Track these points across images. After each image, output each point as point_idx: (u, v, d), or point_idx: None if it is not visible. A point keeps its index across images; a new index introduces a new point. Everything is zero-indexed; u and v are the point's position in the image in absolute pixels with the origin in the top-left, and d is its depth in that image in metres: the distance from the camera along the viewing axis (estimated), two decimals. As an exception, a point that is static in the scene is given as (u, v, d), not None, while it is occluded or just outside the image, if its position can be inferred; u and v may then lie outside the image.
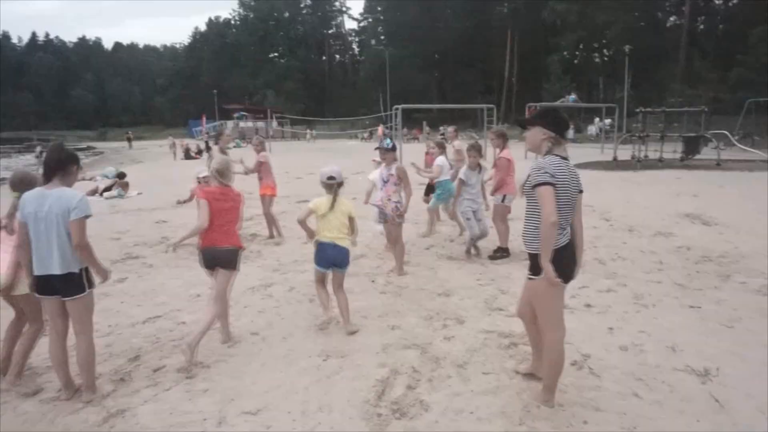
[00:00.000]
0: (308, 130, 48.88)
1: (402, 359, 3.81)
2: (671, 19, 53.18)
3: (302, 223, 4.46)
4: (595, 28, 48.45)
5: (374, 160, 8.08)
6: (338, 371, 3.67)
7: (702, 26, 51.20)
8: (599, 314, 4.64)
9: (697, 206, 9.71)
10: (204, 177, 6.95)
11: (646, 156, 18.55)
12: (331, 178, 4.42)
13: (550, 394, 3.15)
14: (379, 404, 3.22)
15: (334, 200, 4.40)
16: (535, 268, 3.01)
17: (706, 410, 3.09)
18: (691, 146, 18.17)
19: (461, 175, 6.51)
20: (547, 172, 2.89)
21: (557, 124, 3.05)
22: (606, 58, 54.17)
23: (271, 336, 4.33)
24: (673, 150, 18.30)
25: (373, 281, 5.71)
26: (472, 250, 6.62)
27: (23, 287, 3.48)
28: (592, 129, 34.21)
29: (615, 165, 17.84)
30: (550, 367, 3.13)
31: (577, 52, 54.34)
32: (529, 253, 3.05)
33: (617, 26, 45.46)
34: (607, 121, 29.56)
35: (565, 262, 2.97)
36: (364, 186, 7.81)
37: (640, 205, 10.17)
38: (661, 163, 17.41)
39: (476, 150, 6.58)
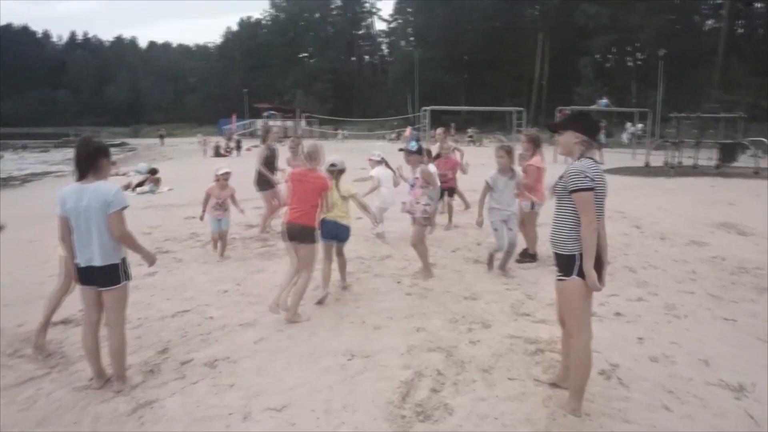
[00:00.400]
0: (339, 130, 49.10)
1: (427, 361, 3.80)
2: (708, 22, 51.83)
3: None
4: (628, 31, 47.45)
5: (370, 159, 8.02)
6: (362, 371, 3.68)
7: (741, 30, 49.74)
8: (629, 323, 4.54)
9: (732, 215, 9.42)
10: (223, 174, 6.97)
11: (679, 162, 18.09)
12: (332, 165, 5.16)
13: (577, 401, 3.11)
14: (403, 406, 3.21)
15: (336, 184, 5.10)
16: (564, 269, 3.01)
17: (740, 427, 3.00)
18: (728, 153, 17.64)
19: (487, 178, 5.97)
20: (587, 176, 2.89)
21: (589, 128, 3.07)
22: (639, 62, 53.04)
23: (296, 333, 4.37)
24: (708, 157, 17.80)
25: (398, 282, 5.71)
26: (494, 260, 6.21)
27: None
28: (624, 136, 33.31)
29: (647, 171, 17.45)
30: (577, 370, 3.10)
31: (609, 55, 53.25)
32: (558, 255, 3.05)
33: (651, 29, 44.46)
34: (639, 126, 28.92)
35: (598, 261, 2.99)
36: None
37: (672, 212, 9.92)
38: (695, 170, 16.96)
39: (506, 151, 5.94)
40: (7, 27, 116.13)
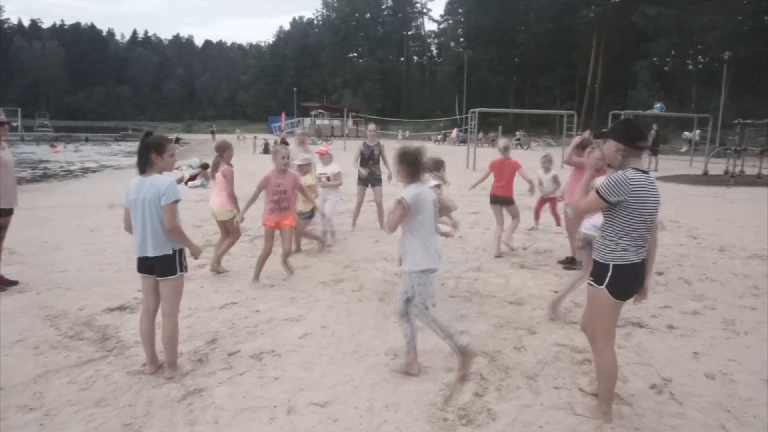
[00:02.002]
0: (399, 130, 49.06)
1: (470, 366, 3.75)
2: (780, 24, 48.95)
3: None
4: (692, 33, 45.42)
5: (320, 152, 7.79)
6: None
7: (816, 32, 46.70)
8: (683, 337, 4.36)
9: (800, 229, 8.88)
10: (302, 164, 6.93)
11: (741, 171, 17.20)
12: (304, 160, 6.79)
13: (606, 406, 3.07)
14: (446, 408, 3.19)
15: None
16: (597, 276, 2.98)
17: (805, 453, 2.82)
18: (796, 163, 16.64)
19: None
20: (615, 189, 2.83)
21: (626, 135, 2.93)
22: (701, 66, 50.74)
23: (340, 331, 4.41)
24: (773, 167, 16.85)
25: (442, 284, 5.68)
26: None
27: (228, 214, 5.96)
28: (684, 148, 31.52)
29: (705, 180, 16.68)
30: (603, 377, 3.07)
31: (668, 59, 51.24)
32: (595, 261, 3.02)
33: (717, 31, 42.37)
34: (697, 132, 27.63)
35: (633, 279, 2.95)
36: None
37: (733, 223, 9.44)
38: (759, 180, 16.07)
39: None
40: (76, 26, 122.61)
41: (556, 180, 7.71)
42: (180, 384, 3.48)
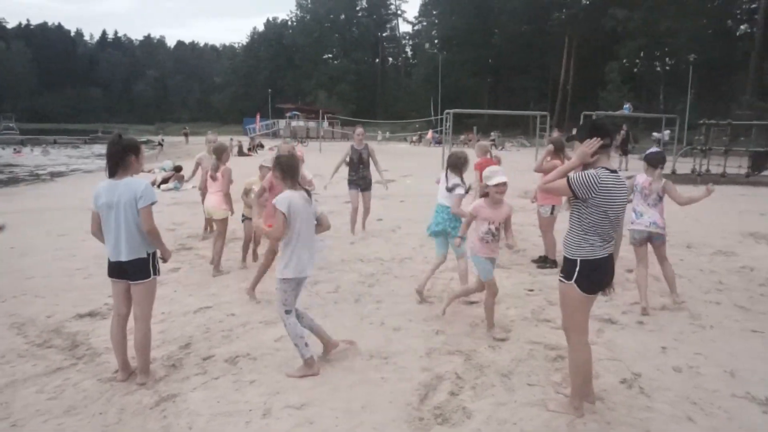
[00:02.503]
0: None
1: (446, 365, 3.79)
2: (742, 27, 50.58)
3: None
4: (659, 36, 46.59)
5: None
6: (382, 372, 3.69)
7: (776, 35, 48.36)
8: (652, 332, 4.47)
9: (763, 225, 9.20)
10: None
11: (707, 170, 17.70)
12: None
13: (577, 400, 3.14)
14: (422, 408, 3.21)
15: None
16: (567, 272, 3.06)
17: (767, 441, 2.93)
18: (759, 162, 17.20)
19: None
20: (585, 185, 2.91)
21: (592, 135, 3.02)
22: (668, 68, 52.06)
23: (316, 333, 4.39)
24: (737, 165, 17.39)
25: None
26: None
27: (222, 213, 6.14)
28: (653, 148, 32.43)
29: (673, 179, 17.01)
30: (574, 370, 3.15)
31: (637, 61, 52.44)
32: (564, 257, 3.11)
33: (683, 34, 43.56)
34: (666, 132, 28.36)
35: (601, 273, 3.04)
36: (410, 189, 7.81)
37: (700, 221, 9.72)
38: (724, 179, 16.57)
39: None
40: (43, 25, 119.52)
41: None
42: (153, 390, 3.43)
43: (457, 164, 4.98)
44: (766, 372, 3.74)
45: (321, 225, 3.83)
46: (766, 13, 41.91)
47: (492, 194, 4.14)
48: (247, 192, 6.56)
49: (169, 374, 3.65)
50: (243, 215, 6.60)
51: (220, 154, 6.38)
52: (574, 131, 3.25)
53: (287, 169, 3.58)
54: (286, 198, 3.48)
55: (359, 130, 8.51)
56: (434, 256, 5.37)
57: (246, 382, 3.54)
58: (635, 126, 37.26)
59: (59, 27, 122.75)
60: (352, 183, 8.30)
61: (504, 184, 4.13)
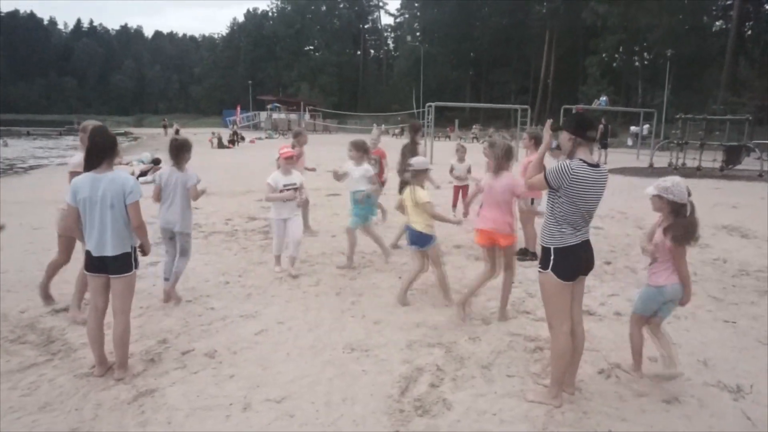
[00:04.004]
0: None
1: (426, 357, 3.82)
2: (717, 23, 51.52)
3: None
4: (637, 31, 47.21)
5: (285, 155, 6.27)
6: (362, 365, 3.70)
7: (750, 32, 49.40)
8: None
9: (735, 218, 9.41)
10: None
11: (683, 164, 18.05)
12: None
13: (556, 389, 3.19)
14: (402, 400, 3.23)
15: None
16: (544, 261, 3.13)
17: (737, 428, 3.01)
18: (733, 156, 17.57)
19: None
20: (557, 175, 3.00)
21: (575, 126, 3.11)
22: (646, 62, 52.81)
23: (297, 326, 4.39)
24: (712, 159, 17.75)
25: (400, 277, 5.72)
26: None
27: None
28: (629, 140, 33.01)
29: (651, 172, 17.40)
30: (554, 360, 3.20)
31: (616, 55, 53.10)
32: (542, 247, 3.16)
33: (660, 29, 44.20)
34: (645, 126, 28.84)
35: (575, 259, 3.09)
36: (392, 182, 7.80)
37: (675, 214, 9.89)
38: (699, 172, 16.91)
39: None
40: (14, 13, 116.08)
41: (469, 170, 8.52)
42: (131, 385, 3.39)
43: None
44: (737, 361, 3.84)
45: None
46: (740, 10, 42.76)
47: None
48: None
49: (147, 369, 3.61)
50: None
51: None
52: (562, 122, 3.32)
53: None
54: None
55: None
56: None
57: (226, 377, 3.52)
58: (614, 120, 37.80)
59: (32, 15, 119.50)
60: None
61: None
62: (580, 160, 3.02)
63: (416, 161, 4.94)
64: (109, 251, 3.31)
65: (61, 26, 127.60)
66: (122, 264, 3.38)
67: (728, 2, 47.58)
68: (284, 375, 3.54)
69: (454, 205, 8.80)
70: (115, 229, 3.30)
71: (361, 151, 6.14)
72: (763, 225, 8.74)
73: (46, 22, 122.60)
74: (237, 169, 17.05)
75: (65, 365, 3.66)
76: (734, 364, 3.78)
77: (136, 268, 3.49)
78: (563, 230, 3.04)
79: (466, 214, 5.25)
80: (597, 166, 3.04)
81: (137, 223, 3.34)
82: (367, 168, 6.14)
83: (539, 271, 3.17)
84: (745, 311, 4.88)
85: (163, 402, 3.20)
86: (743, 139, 18.59)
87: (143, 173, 14.32)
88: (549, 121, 3.47)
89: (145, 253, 3.59)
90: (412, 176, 4.82)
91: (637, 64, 54.10)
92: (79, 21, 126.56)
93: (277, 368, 3.65)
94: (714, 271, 6.19)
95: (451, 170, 8.69)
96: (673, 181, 3.37)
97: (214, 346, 3.96)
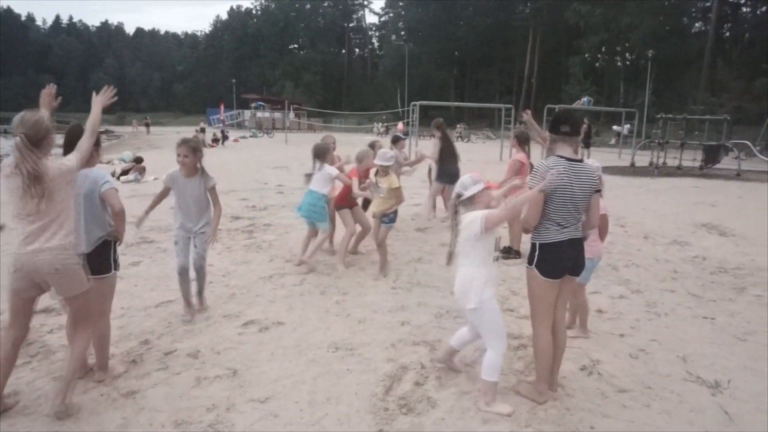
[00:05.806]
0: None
1: (411, 355, 3.82)
2: (697, 25, 52.42)
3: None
4: (619, 32, 47.84)
5: None
6: (347, 364, 3.69)
7: (728, 33, 50.37)
8: (610, 320, 4.61)
9: (714, 216, 9.58)
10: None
11: (664, 163, 18.34)
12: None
13: (541, 384, 3.22)
14: (386, 399, 3.23)
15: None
16: (530, 258, 3.17)
17: (716, 423, 3.06)
18: (712, 155, 17.90)
19: None
20: (535, 176, 3.08)
21: (551, 124, 3.22)
22: (628, 63, 53.52)
23: (281, 326, 4.36)
24: (692, 158, 18.07)
25: (384, 276, 5.72)
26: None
27: None
28: (613, 140, 33.39)
29: (632, 171, 17.65)
30: (538, 356, 3.23)
31: (599, 55, 53.73)
32: (530, 243, 3.20)
33: (641, 30, 44.84)
34: (627, 126, 29.22)
35: (559, 256, 3.10)
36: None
37: (656, 212, 10.05)
38: (679, 171, 17.20)
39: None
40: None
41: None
42: (111, 387, 3.34)
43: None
44: (715, 356, 3.91)
45: None
46: (718, 12, 43.55)
47: None
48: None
49: (128, 370, 3.56)
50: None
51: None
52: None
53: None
54: None
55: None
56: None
57: (209, 377, 3.48)
58: (597, 120, 38.26)
59: (8, 11, 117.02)
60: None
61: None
62: (558, 156, 3.06)
63: (381, 154, 5.67)
64: (83, 248, 3.26)
65: (39, 22, 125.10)
66: (100, 263, 3.33)
67: (707, 4, 48.44)
68: (268, 375, 3.52)
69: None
70: (87, 227, 3.27)
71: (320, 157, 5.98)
72: (740, 223, 8.91)
73: (23, 18, 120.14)
74: (219, 168, 16.89)
75: (43, 368, 3.59)
76: (712, 360, 3.84)
77: (116, 269, 3.44)
78: (548, 227, 3.07)
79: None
80: (578, 161, 3.08)
81: (119, 207, 3.26)
82: (331, 170, 5.96)
83: (526, 267, 3.21)
84: (723, 308, 4.98)
85: (144, 404, 3.15)
86: (722, 138, 18.94)
87: (125, 172, 14.12)
88: (528, 111, 3.57)
89: (118, 239, 3.45)
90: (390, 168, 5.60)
91: (619, 64, 54.84)
92: (58, 17, 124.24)
93: (261, 368, 3.62)
94: (693, 269, 6.29)
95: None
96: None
97: (197, 347, 3.92)
